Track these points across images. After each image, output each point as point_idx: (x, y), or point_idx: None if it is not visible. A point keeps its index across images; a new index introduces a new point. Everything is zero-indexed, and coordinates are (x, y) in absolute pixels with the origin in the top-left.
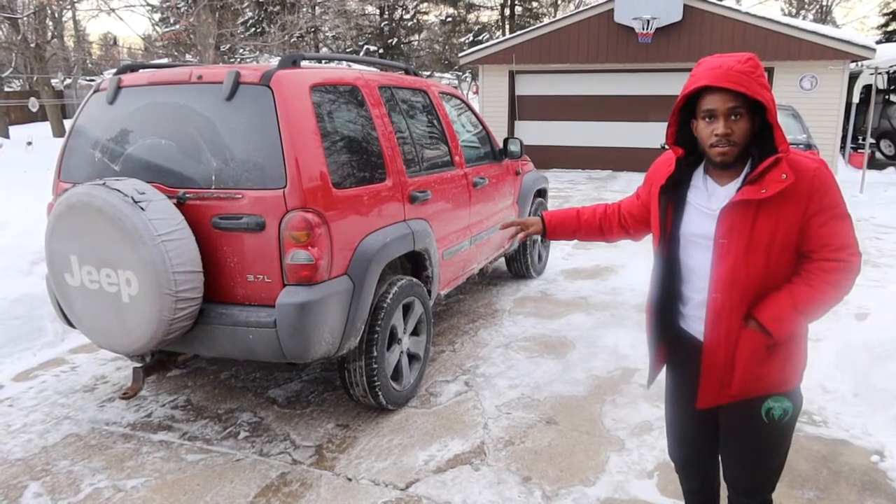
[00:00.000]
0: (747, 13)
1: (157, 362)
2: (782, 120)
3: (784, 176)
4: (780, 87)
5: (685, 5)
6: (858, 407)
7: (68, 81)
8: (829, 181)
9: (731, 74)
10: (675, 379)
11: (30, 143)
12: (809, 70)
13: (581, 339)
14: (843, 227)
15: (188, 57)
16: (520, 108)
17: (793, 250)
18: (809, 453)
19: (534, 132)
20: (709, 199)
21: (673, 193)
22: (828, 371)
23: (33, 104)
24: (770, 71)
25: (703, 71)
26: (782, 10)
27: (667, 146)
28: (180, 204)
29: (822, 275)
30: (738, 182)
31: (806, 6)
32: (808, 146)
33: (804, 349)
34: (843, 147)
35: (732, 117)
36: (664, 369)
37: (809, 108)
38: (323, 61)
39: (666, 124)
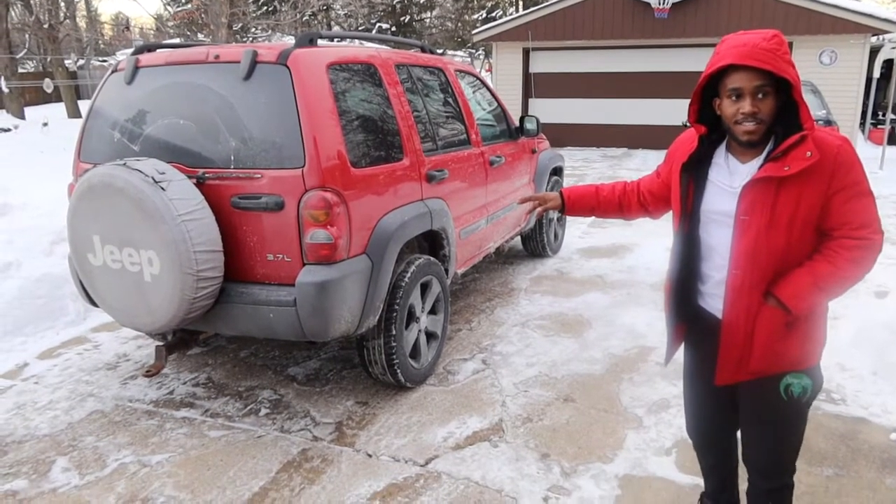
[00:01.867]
0: None
1: (179, 340)
2: None
3: (809, 154)
4: (798, 61)
5: None
6: (878, 385)
7: (81, 62)
8: (852, 159)
9: (757, 52)
10: (693, 357)
11: (45, 125)
12: (829, 44)
13: (598, 317)
14: (865, 205)
15: (200, 36)
16: (534, 85)
17: (814, 228)
18: (828, 431)
19: (548, 110)
20: (730, 177)
21: (694, 171)
22: (846, 349)
23: (48, 85)
24: (789, 46)
25: (728, 49)
26: None
27: (689, 124)
28: (200, 184)
29: (844, 252)
30: (760, 159)
31: None
32: (828, 122)
33: (823, 327)
34: (862, 123)
35: (759, 96)
36: (682, 347)
37: (829, 84)
38: (336, 39)
39: (684, 101)
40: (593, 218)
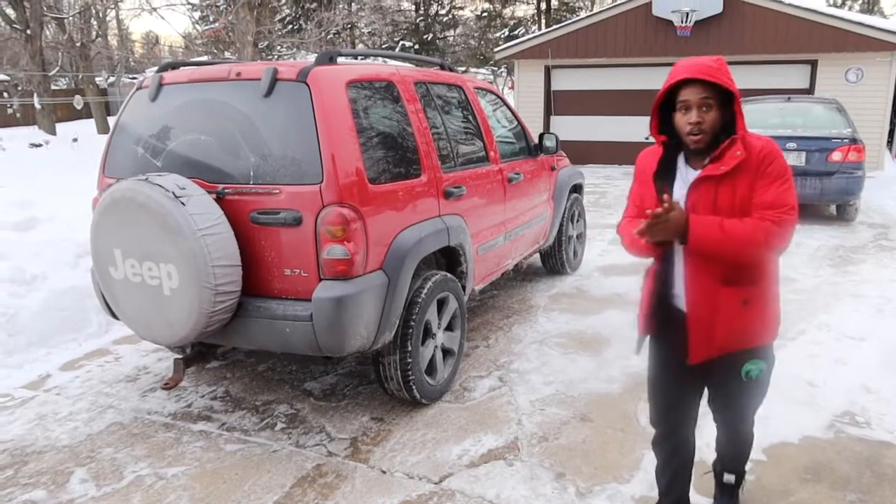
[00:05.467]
0: (790, 4)
1: (197, 354)
2: (826, 114)
3: (739, 153)
4: (824, 79)
5: None
6: None
7: (112, 79)
8: (774, 153)
9: (705, 69)
10: (661, 347)
11: (75, 140)
12: (855, 62)
13: (616, 335)
14: (784, 189)
15: (227, 54)
16: (555, 102)
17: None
18: (852, 455)
19: (570, 127)
20: (685, 184)
21: (665, 179)
22: (872, 370)
23: (78, 102)
24: (814, 63)
25: (680, 68)
26: (826, 0)
27: (650, 137)
28: (219, 199)
29: (757, 221)
30: (705, 163)
31: None
32: (854, 140)
33: (775, 310)
34: (890, 141)
35: (704, 108)
36: (647, 341)
37: (855, 101)
38: (359, 57)
39: None
40: (613, 235)
